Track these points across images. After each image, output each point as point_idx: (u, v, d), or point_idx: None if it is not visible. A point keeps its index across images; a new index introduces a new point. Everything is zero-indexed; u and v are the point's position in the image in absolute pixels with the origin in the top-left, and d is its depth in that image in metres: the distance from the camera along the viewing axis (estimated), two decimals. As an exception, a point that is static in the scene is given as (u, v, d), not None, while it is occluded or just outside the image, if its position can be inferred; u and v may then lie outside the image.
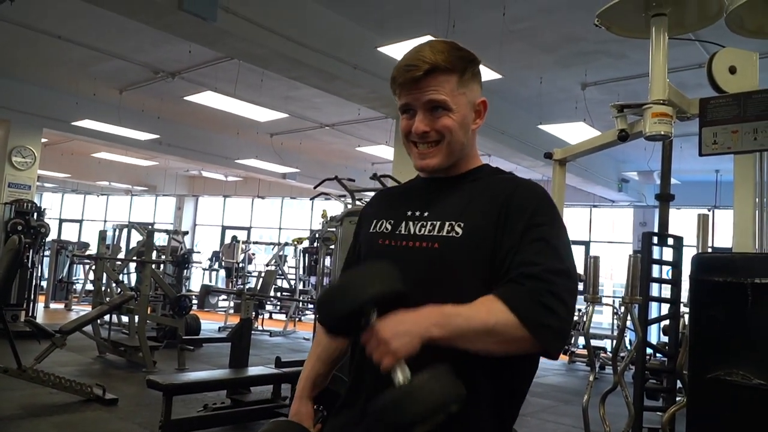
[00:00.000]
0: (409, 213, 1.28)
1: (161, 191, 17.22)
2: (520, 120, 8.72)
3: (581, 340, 9.68)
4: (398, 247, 1.26)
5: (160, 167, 14.95)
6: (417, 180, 1.40)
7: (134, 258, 8.06)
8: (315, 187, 7.06)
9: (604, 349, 8.98)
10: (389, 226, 1.30)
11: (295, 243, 11.23)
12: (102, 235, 8.12)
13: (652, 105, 2.12)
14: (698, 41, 2.19)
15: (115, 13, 5.23)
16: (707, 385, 1.95)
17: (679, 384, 3.32)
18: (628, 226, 13.34)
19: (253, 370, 4.95)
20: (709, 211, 12.00)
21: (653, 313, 3.75)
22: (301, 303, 11.32)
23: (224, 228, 17.40)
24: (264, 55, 5.86)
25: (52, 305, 12.47)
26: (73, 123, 9.29)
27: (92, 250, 13.98)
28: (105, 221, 18.16)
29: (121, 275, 8.84)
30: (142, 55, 7.61)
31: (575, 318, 9.11)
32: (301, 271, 12.30)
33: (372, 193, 9.54)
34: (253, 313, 6.31)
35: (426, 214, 1.26)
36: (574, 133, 8.14)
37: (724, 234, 8.74)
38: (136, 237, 11.24)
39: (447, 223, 1.21)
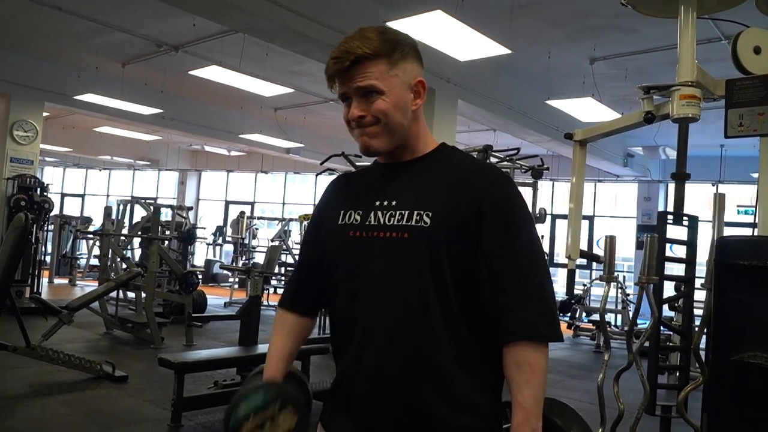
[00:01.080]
0: (377, 203, 1.29)
1: (164, 166, 17.16)
2: (527, 95, 8.64)
3: (585, 315, 9.76)
4: (370, 238, 1.27)
5: (163, 142, 14.88)
6: (376, 166, 1.40)
7: (140, 234, 8.06)
8: (322, 163, 7.01)
9: (608, 324, 9.04)
10: (359, 217, 1.31)
11: (302, 219, 11.21)
12: (107, 210, 8.10)
13: (681, 87, 2.09)
14: (722, 20, 2.14)
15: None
16: (730, 366, 1.96)
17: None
18: (631, 201, 13.33)
19: (263, 347, 4.97)
20: (713, 185, 12.01)
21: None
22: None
23: (227, 203, 17.38)
24: (270, 29, 5.77)
25: (56, 281, 12.53)
26: (76, 97, 9.19)
27: (95, 225, 14.00)
28: (107, 196, 18.15)
29: (125, 251, 8.86)
30: (146, 28, 7.51)
31: (580, 292, 9.17)
32: (305, 247, 12.30)
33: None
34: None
35: (394, 203, 1.27)
36: (582, 108, 8.07)
37: (729, 208, 8.72)
38: (139, 212, 11.26)
39: (415, 213, 1.23)
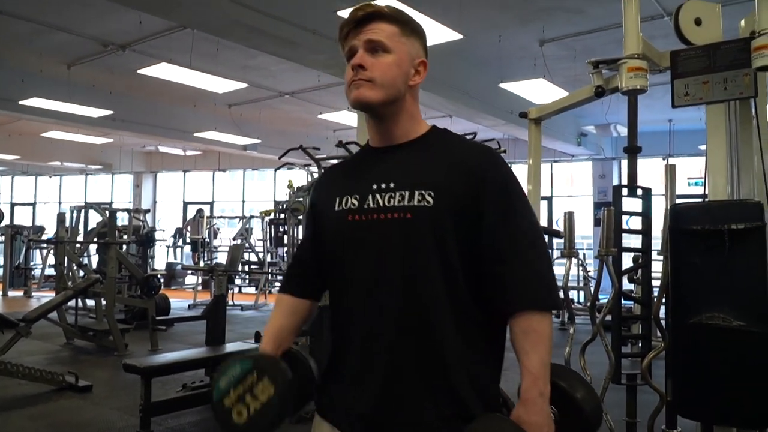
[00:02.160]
0: (374, 186, 1.29)
1: (117, 169, 16.75)
2: (480, 79, 8.71)
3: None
4: (370, 221, 1.27)
5: (115, 144, 14.51)
6: (367, 151, 1.41)
7: (97, 240, 7.86)
8: (280, 158, 6.95)
9: (572, 301, 9.23)
10: (356, 201, 1.30)
11: (263, 215, 11.11)
12: (61, 217, 7.87)
13: (627, 60, 2.13)
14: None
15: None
16: (689, 329, 2.02)
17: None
18: (587, 179, 13.60)
19: (231, 346, 4.92)
20: (663, 159, 12.34)
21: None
22: (270, 275, 11.27)
23: (186, 204, 17.09)
24: (220, 23, 5.69)
25: (11, 293, 12.15)
26: (21, 102, 8.89)
27: (48, 233, 13.59)
28: (60, 203, 17.64)
29: (81, 258, 8.63)
30: (90, 28, 7.29)
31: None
32: (268, 243, 12.22)
33: (333, 161, 9.49)
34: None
35: (392, 184, 1.27)
36: (535, 90, 8.19)
37: (680, 181, 8.98)
38: (94, 218, 10.98)
39: (417, 193, 1.23)
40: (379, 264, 1.25)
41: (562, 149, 12.18)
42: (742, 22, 2.28)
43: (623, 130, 11.55)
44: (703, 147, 9.15)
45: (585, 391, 1.29)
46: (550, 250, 3.15)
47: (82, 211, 10.58)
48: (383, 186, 1.28)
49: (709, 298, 2.01)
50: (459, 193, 1.24)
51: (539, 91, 8.21)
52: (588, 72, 2.26)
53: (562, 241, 3.00)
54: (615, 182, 13.10)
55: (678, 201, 2.93)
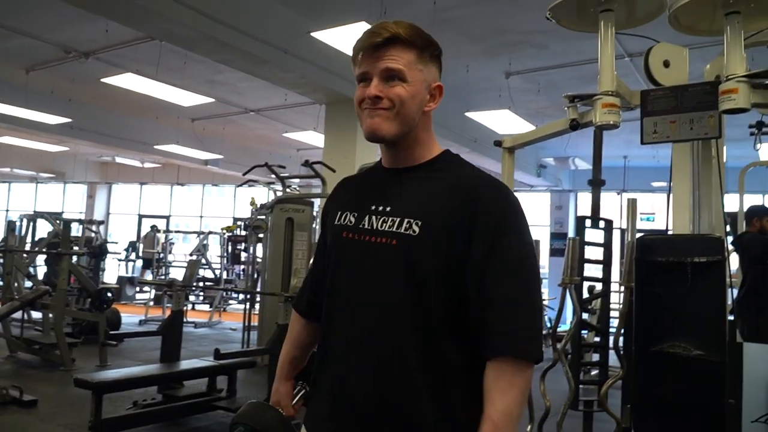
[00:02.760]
0: (373, 207, 1.29)
1: (71, 178, 16.28)
2: (447, 107, 8.75)
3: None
4: (361, 241, 1.28)
5: (70, 153, 14.12)
6: (379, 168, 1.40)
7: (51, 250, 7.61)
8: (244, 174, 6.91)
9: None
10: (353, 219, 1.32)
11: (225, 231, 10.95)
12: (11, 225, 7.60)
13: (603, 96, 2.23)
14: (638, 36, 2.31)
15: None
16: (651, 357, 2.09)
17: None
18: (544, 210, 13.91)
19: (187, 364, 4.82)
20: (618, 194, 12.74)
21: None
22: (225, 293, 11.08)
23: (141, 217, 16.70)
24: (190, 36, 5.64)
25: (-49, 302, 11.58)
26: (-27, 105, 8.60)
27: (-6, 242, 13.07)
28: (7, 211, 17.01)
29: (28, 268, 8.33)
30: (53, 33, 7.13)
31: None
32: (226, 260, 12.04)
33: (297, 180, 9.46)
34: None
35: (388, 209, 1.27)
36: (500, 120, 8.38)
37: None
38: (42, 228, 10.63)
39: (405, 221, 1.23)
40: (361, 285, 1.27)
41: (521, 179, 12.45)
42: (708, 66, 2.41)
43: (581, 164, 11.91)
44: (655, 184, 9.46)
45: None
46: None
47: (32, 220, 10.23)
48: (380, 209, 1.28)
49: (671, 327, 2.09)
50: (449, 224, 1.20)
51: (504, 122, 8.41)
52: (564, 106, 2.34)
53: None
54: (571, 213, 13.43)
55: (637, 234, 3.03)
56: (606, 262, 3.41)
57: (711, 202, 2.44)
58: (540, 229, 13.71)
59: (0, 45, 7.55)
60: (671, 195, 2.41)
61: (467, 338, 1.19)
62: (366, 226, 1.28)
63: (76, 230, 10.52)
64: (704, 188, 2.40)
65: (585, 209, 13.70)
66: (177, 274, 12.25)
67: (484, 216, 1.20)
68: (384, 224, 1.25)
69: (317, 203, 7.53)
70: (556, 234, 13.14)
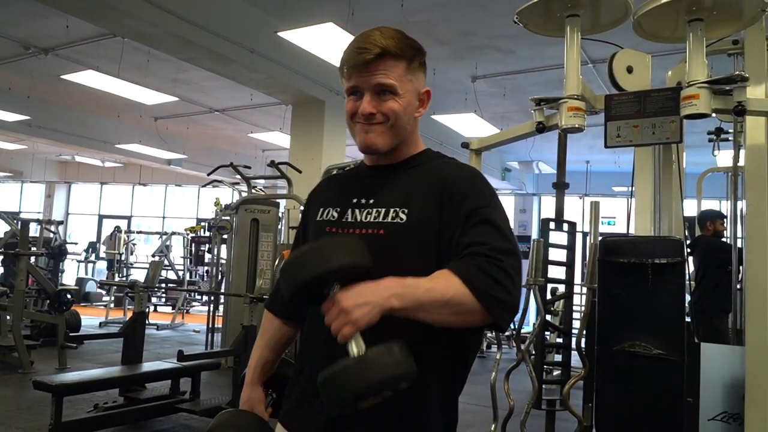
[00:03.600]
0: (355, 200, 1.31)
1: (28, 177, 15.83)
2: (413, 110, 8.90)
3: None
4: (344, 234, 1.28)
5: (28, 151, 13.74)
6: (362, 167, 1.43)
7: (8, 250, 7.39)
8: (209, 174, 6.83)
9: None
10: (336, 214, 1.33)
11: (188, 232, 10.78)
12: (-34, 225, 7.36)
13: (568, 99, 2.28)
14: (602, 41, 2.37)
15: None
16: (613, 356, 2.14)
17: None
18: (508, 213, 14.01)
19: (150, 366, 4.74)
20: (580, 198, 12.99)
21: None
22: (189, 294, 10.93)
23: (101, 217, 16.34)
24: (154, 33, 5.55)
25: None
26: (-75, 101, 8.31)
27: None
28: (-39, 210, 16.46)
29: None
30: (12, 28, 6.93)
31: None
32: (189, 262, 11.87)
33: (262, 181, 9.38)
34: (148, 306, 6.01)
35: (371, 201, 1.29)
36: (465, 123, 8.46)
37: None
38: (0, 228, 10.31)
39: (392, 210, 1.25)
40: None
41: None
42: (669, 73, 2.49)
43: (545, 168, 12.10)
44: (616, 188, 9.66)
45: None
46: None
47: (-13, 219, 9.92)
48: (363, 201, 1.30)
49: (632, 326, 2.15)
50: (430, 210, 1.23)
51: (469, 125, 8.49)
52: (530, 108, 2.39)
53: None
54: (534, 216, 13.63)
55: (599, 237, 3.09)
56: (569, 264, 3.48)
57: (671, 205, 2.52)
58: (504, 232, 13.86)
59: (-45, 39, 7.32)
60: (633, 198, 2.48)
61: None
62: (350, 219, 1.29)
63: (34, 230, 10.23)
64: (665, 192, 2.47)
65: (548, 212, 13.96)
66: (139, 275, 12.03)
67: (459, 196, 1.21)
68: (368, 216, 1.27)
69: (283, 204, 7.48)
70: (519, 237, 13.31)
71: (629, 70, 2.46)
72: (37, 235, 10.03)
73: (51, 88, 9.01)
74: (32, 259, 7.77)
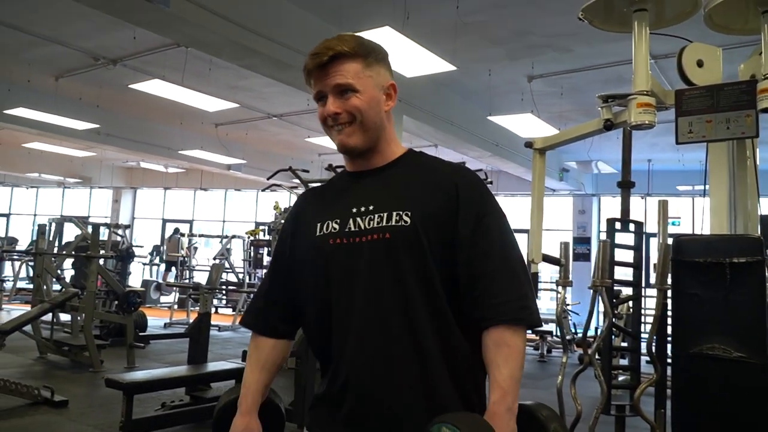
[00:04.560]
0: (354, 209, 1.32)
1: (96, 183, 16.54)
2: (469, 111, 8.86)
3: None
4: (351, 244, 1.29)
5: (96, 158, 14.35)
6: (343, 176, 1.44)
7: (80, 253, 7.73)
8: (269, 178, 6.96)
9: (550, 333, 9.29)
10: (337, 225, 1.32)
11: (249, 235, 11.03)
12: (41, 229, 7.74)
13: (637, 96, 2.22)
14: (671, 36, 2.29)
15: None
16: (690, 360, 2.07)
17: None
18: (567, 214, 13.80)
19: (215, 365, 4.87)
20: (642, 198, 12.60)
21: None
22: (248, 296, 11.15)
23: (165, 221, 16.89)
24: (217, 42, 5.71)
25: (-20, 305, 11.82)
26: (6, 111, 8.77)
27: (21, 245, 13.31)
28: (35, 215, 17.32)
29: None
30: (83, 41, 7.27)
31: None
32: (248, 265, 12.13)
33: (319, 185, 9.45)
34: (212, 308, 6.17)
35: (371, 207, 1.30)
36: (522, 124, 8.34)
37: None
38: (70, 231, 10.79)
39: (395, 213, 1.27)
40: (361, 284, 1.26)
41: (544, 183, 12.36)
42: (742, 66, 2.39)
43: (604, 167, 11.81)
44: (681, 187, 9.32)
45: (559, 425, 1.35)
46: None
47: (60, 224, 10.41)
48: (362, 209, 1.31)
49: (709, 329, 2.07)
50: (435, 211, 1.27)
51: (526, 125, 8.36)
52: (597, 106, 2.33)
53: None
54: (594, 217, 13.31)
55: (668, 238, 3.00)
56: (636, 265, 3.39)
57: (746, 204, 2.41)
58: (563, 234, 13.60)
59: (31, 53, 7.72)
60: (706, 197, 2.39)
61: (464, 318, 1.26)
62: (353, 228, 1.30)
63: (102, 234, 10.67)
64: (740, 190, 2.37)
65: (608, 213, 13.59)
66: (200, 277, 12.37)
67: (465, 201, 1.28)
68: (371, 222, 1.28)
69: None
70: (579, 238, 13.03)
71: (699, 64, 2.38)
72: (106, 238, 10.45)
73: (119, 97, 9.38)
74: (101, 261, 8.10)
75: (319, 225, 1.34)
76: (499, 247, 1.27)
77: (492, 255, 1.26)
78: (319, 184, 1.58)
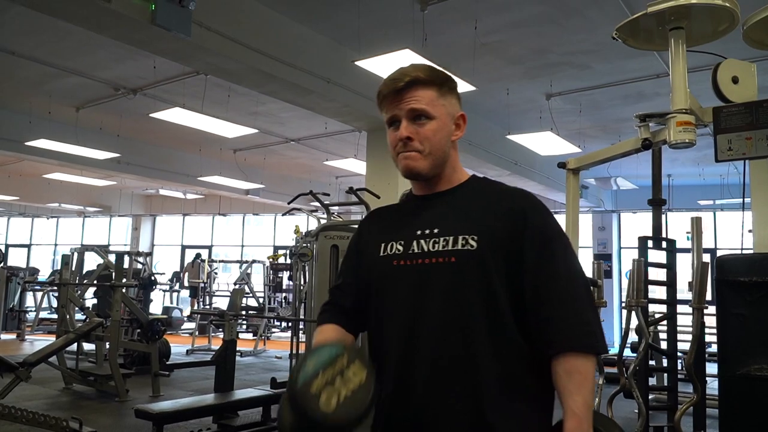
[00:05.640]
0: (419, 232, 1.33)
1: (116, 212, 16.71)
2: (488, 130, 8.85)
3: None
4: (415, 266, 1.31)
5: (116, 187, 14.52)
6: (410, 199, 1.47)
7: (104, 282, 7.77)
8: (289, 203, 6.97)
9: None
10: (401, 247, 1.34)
11: (272, 259, 11.05)
12: (65, 259, 7.80)
13: (676, 114, 2.19)
14: (707, 53, 2.27)
15: (77, 28, 5.06)
16: (736, 381, 2.01)
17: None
18: (587, 231, 13.67)
19: (242, 393, 4.84)
20: (663, 214, 12.48)
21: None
22: (269, 321, 11.14)
23: (184, 247, 17.00)
24: (237, 69, 5.77)
25: (3, 336, 11.90)
26: (27, 143, 8.91)
27: (43, 275, 13.44)
28: (56, 245, 17.51)
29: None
30: (103, 72, 7.39)
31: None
32: (268, 289, 12.13)
33: (336, 208, 9.50)
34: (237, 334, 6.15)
35: (436, 230, 1.31)
36: (542, 142, 8.32)
37: (681, 235, 9.05)
38: (90, 261, 10.87)
39: (461, 237, 1.28)
40: (423, 306, 1.27)
41: (562, 200, 12.27)
42: (778, 81, 2.36)
43: (623, 183, 11.71)
44: (701, 202, 9.20)
45: None
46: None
47: (82, 253, 10.48)
48: (427, 232, 1.33)
49: (756, 349, 2.02)
50: (501, 236, 1.27)
51: (545, 143, 8.34)
52: (635, 125, 2.31)
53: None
54: (614, 234, 13.18)
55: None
56: (670, 283, 3.33)
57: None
58: (583, 251, 13.47)
59: (51, 85, 7.86)
60: (748, 212, 2.34)
61: (532, 342, 1.25)
62: (416, 251, 1.32)
63: (124, 262, 10.73)
64: (780, 205, 2.32)
65: (628, 229, 13.44)
66: (220, 303, 12.38)
67: (531, 226, 1.28)
68: (436, 245, 1.29)
69: (361, 230, 7.53)
70: (599, 256, 12.88)
71: (735, 80, 2.35)
72: (127, 266, 10.51)
73: (139, 126, 9.51)
74: (124, 289, 8.13)
75: (383, 245, 1.37)
76: (565, 272, 1.27)
77: (558, 280, 1.26)
78: (387, 205, 1.59)
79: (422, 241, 1.31)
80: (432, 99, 1.33)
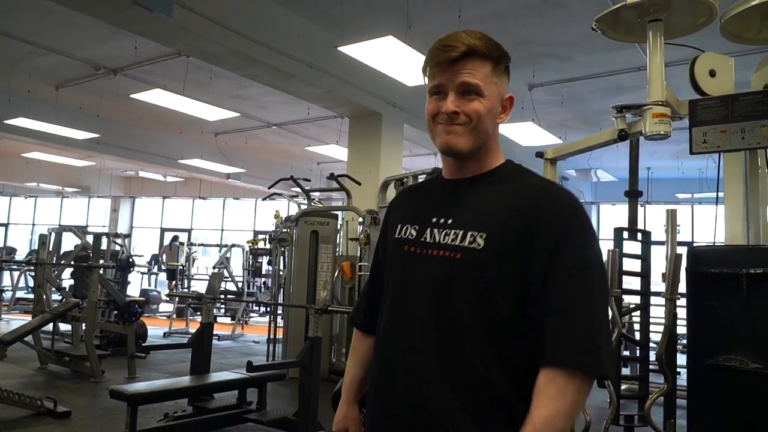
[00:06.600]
0: (434, 219, 1.26)
1: (95, 193, 16.51)
2: (469, 120, 8.86)
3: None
4: (423, 255, 1.24)
5: (95, 168, 14.34)
6: (439, 179, 1.36)
7: (81, 263, 7.69)
8: (270, 187, 6.96)
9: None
10: (414, 233, 1.28)
11: (252, 244, 11.01)
12: (43, 239, 7.69)
13: (652, 106, 2.22)
14: (685, 46, 2.30)
15: (58, 7, 4.96)
16: (706, 371, 2.06)
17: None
18: (566, 223, 13.80)
19: (218, 376, 4.81)
20: (641, 206, 12.64)
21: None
22: (247, 305, 11.11)
23: (163, 230, 16.87)
24: (218, 52, 5.72)
25: (-21, 315, 11.74)
26: (6, 121, 8.76)
27: (20, 255, 13.25)
28: (33, 225, 17.27)
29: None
30: (83, 51, 7.27)
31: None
32: (247, 274, 12.10)
33: (318, 194, 9.49)
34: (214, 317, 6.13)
35: (450, 221, 1.23)
36: (523, 132, 8.35)
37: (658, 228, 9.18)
38: (68, 241, 10.73)
39: (469, 233, 1.19)
40: (424, 300, 1.21)
41: (543, 191, 12.37)
42: (754, 76, 2.39)
43: (603, 175, 11.83)
44: (680, 195, 9.31)
45: None
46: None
47: (59, 233, 10.35)
48: (442, 221, 1.24)
49: (725, 340, 2.06)
50: (511, 237, 1.16)
51: (527, 134, 8.38)
52: (611, 116, 2.33)
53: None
54: (594, 226, 13.33)
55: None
56: (644, 274, 3.38)
57: (758, 213, 2.41)
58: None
59: (31, 63, 7.72)
60: (721, 205, 2.38)
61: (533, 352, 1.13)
62: (428, 240, 1.24)
63: (103, 244, 10.62)
64: (752, 199, 2.37)
65: (607, 221, 13.60)
66: (198, 286, 12.31)
67: (545, 227, 1.15)
68: (446, 237, 1.21)
69: (341, 216, 7.55)
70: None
71: (712, 74, 2.38)
72: (105, 248, 10.40)
73: (119, 106, 9.39)
74: (102, 271, 8.05)
75: (399, 227, 1.32)
76: (574, 281, 1.13)
77: (564, 289, 1.13)
78: (419, 182, 1.51)
79: (435, 231, 1.24)
80: (487, 74, 1.21)
